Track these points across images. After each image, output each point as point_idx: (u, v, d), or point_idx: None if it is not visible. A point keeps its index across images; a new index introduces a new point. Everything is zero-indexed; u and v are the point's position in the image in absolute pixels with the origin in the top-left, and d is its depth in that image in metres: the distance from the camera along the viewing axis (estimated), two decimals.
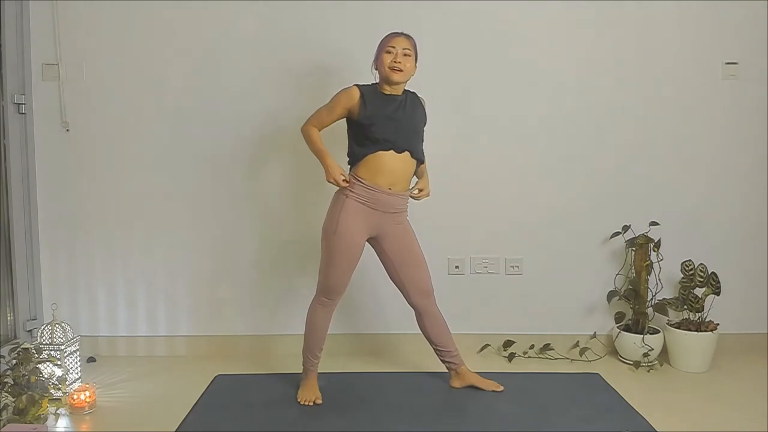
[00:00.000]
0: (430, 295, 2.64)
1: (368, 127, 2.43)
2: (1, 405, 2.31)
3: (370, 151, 2.44)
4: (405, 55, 2.44)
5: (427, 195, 2.64)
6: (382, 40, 2.50)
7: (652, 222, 3.02)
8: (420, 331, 2.70)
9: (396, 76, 2.43)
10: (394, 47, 2.44)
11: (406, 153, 2.47)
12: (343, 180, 2.46)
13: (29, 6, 2.97)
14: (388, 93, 2.49)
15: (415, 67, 2.50)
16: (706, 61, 3.06)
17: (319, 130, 2.52)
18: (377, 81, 2.55)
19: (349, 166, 2.54)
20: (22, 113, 2.96)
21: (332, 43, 3.00)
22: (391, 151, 2.44)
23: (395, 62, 2.42)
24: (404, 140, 2.46)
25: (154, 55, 3.02)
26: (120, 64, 3.02)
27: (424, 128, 2.59)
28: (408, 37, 2.49)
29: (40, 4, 2.97)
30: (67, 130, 3.04)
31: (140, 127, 3.05)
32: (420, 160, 2.55)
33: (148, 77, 3.03)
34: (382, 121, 2.43)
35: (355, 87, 2.47)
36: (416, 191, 2.61)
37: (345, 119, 2.52)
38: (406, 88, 2.55)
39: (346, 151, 2.54)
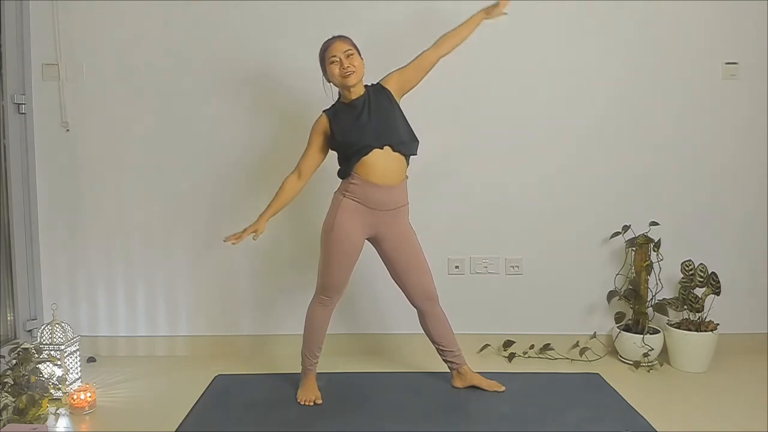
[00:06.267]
0: (433, 298, 2.63)
1: (343, 141, 2.45)
2: (1, 405, 2.31)
3: (355, 160, 2.45)
4: (349, 56, 2.43)
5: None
6: (320, 54, 2.48)
7: (652, 222, 3.02)
8: (420, 331, 2.70)
9: (351, 80, 2.43)
10: (335, 56, 2.43)
11: (387, 148, 2.45)
12: (252, 234, 2.48)
13: (29, 6, 2.97)
14: (350, 101, 2.49)
15: (362, 60, 2.47)
16: (706, 61, 3.06)
17: (304, 175, 2.52)
18: (335, 94, 2.56)
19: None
20: (22, 113, 2.97)
21: None
22: (372, 151, 2.43)
23: (344, 69, 2.42)
24: (379, 138, 2.44)
25: (154, 56, 3.02)
26: (120, 64, 3.02)
27: (400, 113, 2.52)
28: (342, 38, 2.47)
29: (40, 4, 2.98)
30: (67, 130, 3.04)
31: (140, 127, 3.05)
32: (406, 154, 2.50)
33: (147, 77, 3.03)
34: (352, 130, 2.44)
35: (323, 113, 2.51)
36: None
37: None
38: (366, 84, 2.53)
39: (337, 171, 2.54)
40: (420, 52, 2.55)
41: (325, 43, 2.48)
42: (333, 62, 2.43)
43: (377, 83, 2.56)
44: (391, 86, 2.53)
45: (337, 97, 2.56)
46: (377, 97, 2.51)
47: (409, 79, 2.55)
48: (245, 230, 2.48)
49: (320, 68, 2.51)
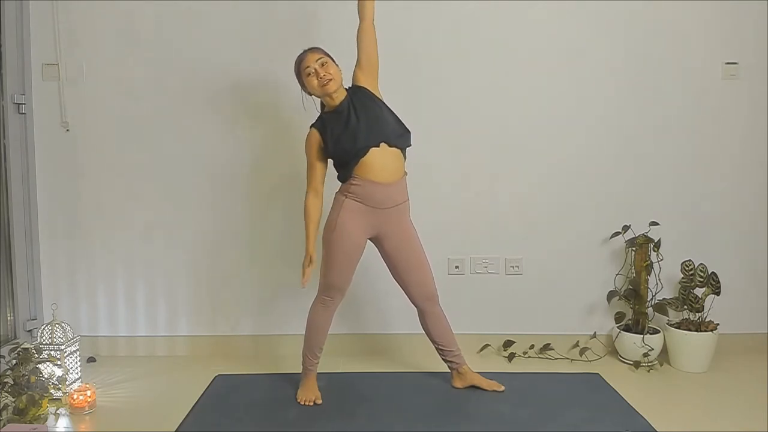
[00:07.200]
0: (433, 298, 2.63)
1: (338, 149, 2.45)
2: (1, 405, 2.31)
3: (354, 164, 2.44)
4: (323, 65, 2.43)
5: None
6: (296, 69, 2.50)
7: (652, 222, 3.02)
8: (421, 331, 2.70)
9: (330, 87, 2.43)
10: (310, 67, 2.43)
11: (383, 145, 2.45)
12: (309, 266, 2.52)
13: (29, 6, 2.97)
14: (334, 108, 2.49)
15: (337, 66, 2.48)
16: (706, 61, 3.06)
17: (319, 191, 2.53)
18: (317, 105, 2.57)
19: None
20: (22, 113, 2.97)
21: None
22: (369, 151, 2.43)
23: (321, 78, 2.42)
24: (372, 137, 2.43)
25: (154, 56, 3.02)
26: (120, 64, 3.02)
27: (386, 107, 2.51)
28: (312, 49, 2.48)
29: (40, 4, 2.98)
30: (67, 130, 3.04)
31: (140, 127, 3.05)
32: (402, 147, 2.50)
33: (147, 77, 3.03)
34: (344, 136, 2.44)
35: (311, 128, 2.51)
36: None
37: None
38: (346, 87, 2.53)
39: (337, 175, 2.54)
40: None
41: (297, 58, 2.50)
42: (309, 74, 2.44)
43: (352, 85, 2.55)
44: (362, 81, 2.53)
45: (320, 108, 2.57)
46: (359, 97, 2.50)
47: (366, 61, 2.52)
48: (303, 268, 2.52)
49: (298, 83, 2.52)
